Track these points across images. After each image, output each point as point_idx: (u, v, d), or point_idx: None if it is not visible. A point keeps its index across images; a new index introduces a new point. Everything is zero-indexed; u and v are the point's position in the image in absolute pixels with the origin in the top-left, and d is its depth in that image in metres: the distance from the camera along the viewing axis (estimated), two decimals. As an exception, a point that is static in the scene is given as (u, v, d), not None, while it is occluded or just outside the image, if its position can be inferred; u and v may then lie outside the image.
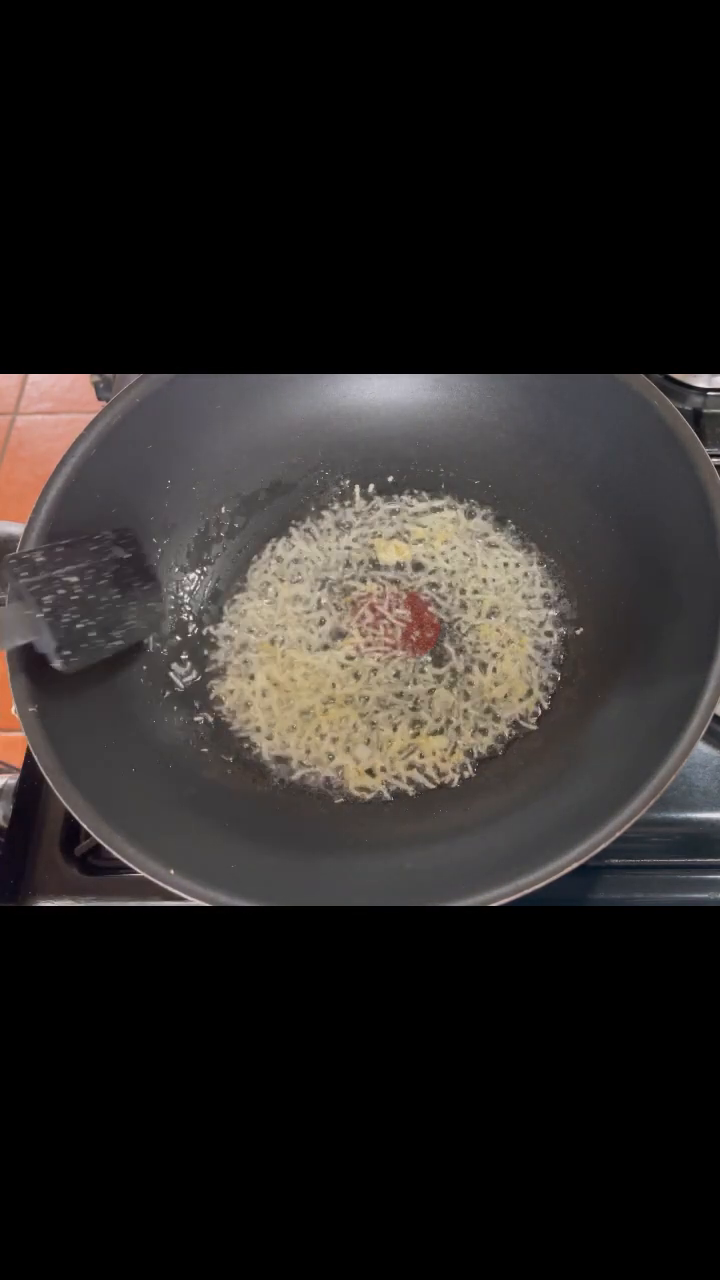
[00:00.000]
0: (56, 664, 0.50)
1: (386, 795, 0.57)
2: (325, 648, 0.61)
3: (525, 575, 0.62)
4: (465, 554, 0.63)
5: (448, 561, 0.63)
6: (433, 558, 0.63)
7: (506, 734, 0.58)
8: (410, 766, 0.58)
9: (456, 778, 0.57)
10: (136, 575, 0.55)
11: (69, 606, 0.50)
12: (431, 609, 0.62)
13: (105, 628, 0.52)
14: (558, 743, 0.57)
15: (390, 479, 0.66)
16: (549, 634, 0.61)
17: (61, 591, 0.50)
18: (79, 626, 0.50)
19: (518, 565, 0.63)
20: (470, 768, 0.58)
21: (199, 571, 0.64)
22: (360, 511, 0.65)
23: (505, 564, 0.63)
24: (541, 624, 0.61)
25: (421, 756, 0.58)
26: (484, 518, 0.64)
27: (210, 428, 0.63)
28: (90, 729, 0.54)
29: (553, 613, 0.61)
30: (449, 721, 0.58)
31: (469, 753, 0.58)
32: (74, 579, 0.51)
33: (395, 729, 0.58)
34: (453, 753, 0.58)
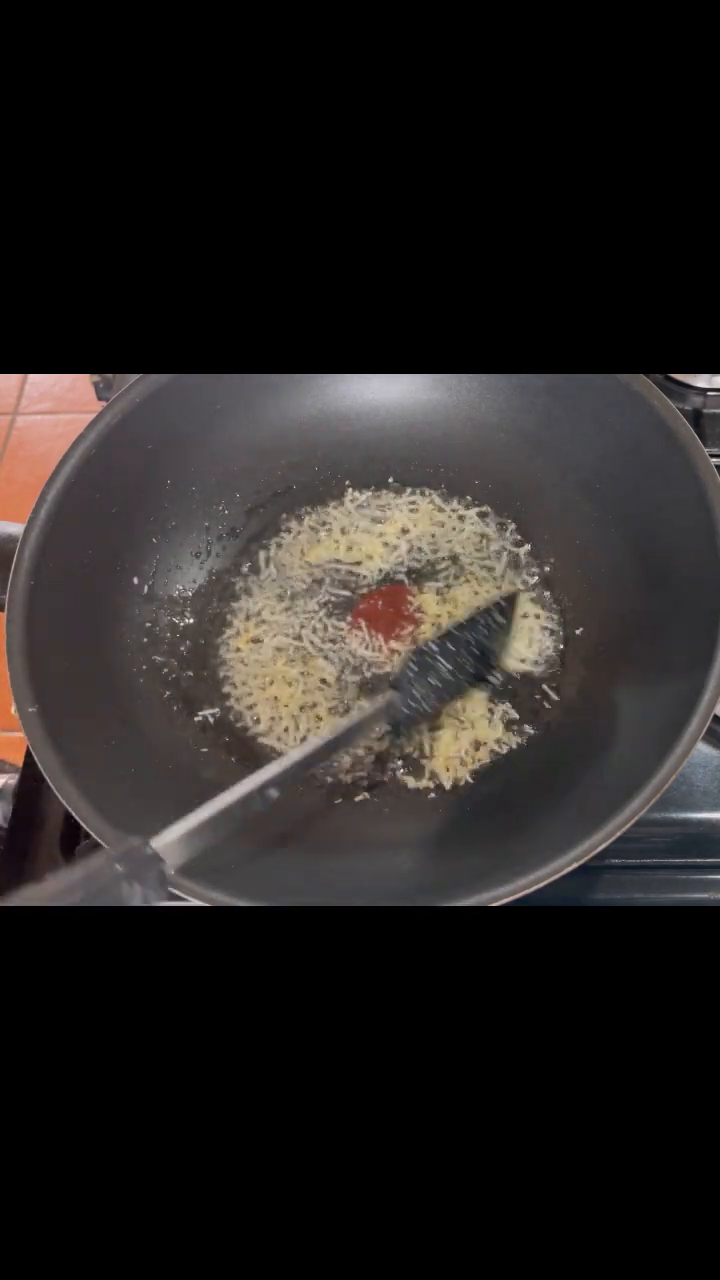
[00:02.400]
0: (394, 738, 0.56)
1: (387, 795, 0.57)
2: (326, 648, 0.61)
3: (524, 575, 0.62)
4: (462, 551, 0.63)
5: (446, 560, 0.63)
6: (424, 551, 0.63)
7: (507, 734, 0.58)
8: (411, 767, 0.58)
9: (457, 777, 0.57)
10: (501, 634, 0.59)
11: (430, 697, 0.55)
12: (422, 613, 0.62)
13: (441, 697, 0.56)
14: (558, 743, 0.57)
15: (391, 479, 0.66)
16: (548, 634, 0.61)
17: (434, 681, 0.55)
18: (425, 709, 0.56)
19: (516, 562, 0.63)
20: (471, 768, 0.57)
21: (199, 571, 0.64)
22: (361, 505, 0.65)
23: (500, 562, 0.63)
24: (541, 624, 0.61)
25: (423, 756, 0.58)
26: (480, 515, 0.65)
27: (210, 428, 0.63)
28: (90, 729, 0.54)
29: (552, 613, 0.61)
30: (449, 721, 0.58)
31: (469, 752, 0.58)
32: (448, 665, 0.56)
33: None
34: (454, 752, 0.58)
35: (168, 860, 0.41)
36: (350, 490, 0.66)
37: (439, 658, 0.55)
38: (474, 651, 0.57)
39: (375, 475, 0.66)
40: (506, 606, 0.59)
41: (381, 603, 0.62)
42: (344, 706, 0.59)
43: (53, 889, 0.38)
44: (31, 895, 0.38)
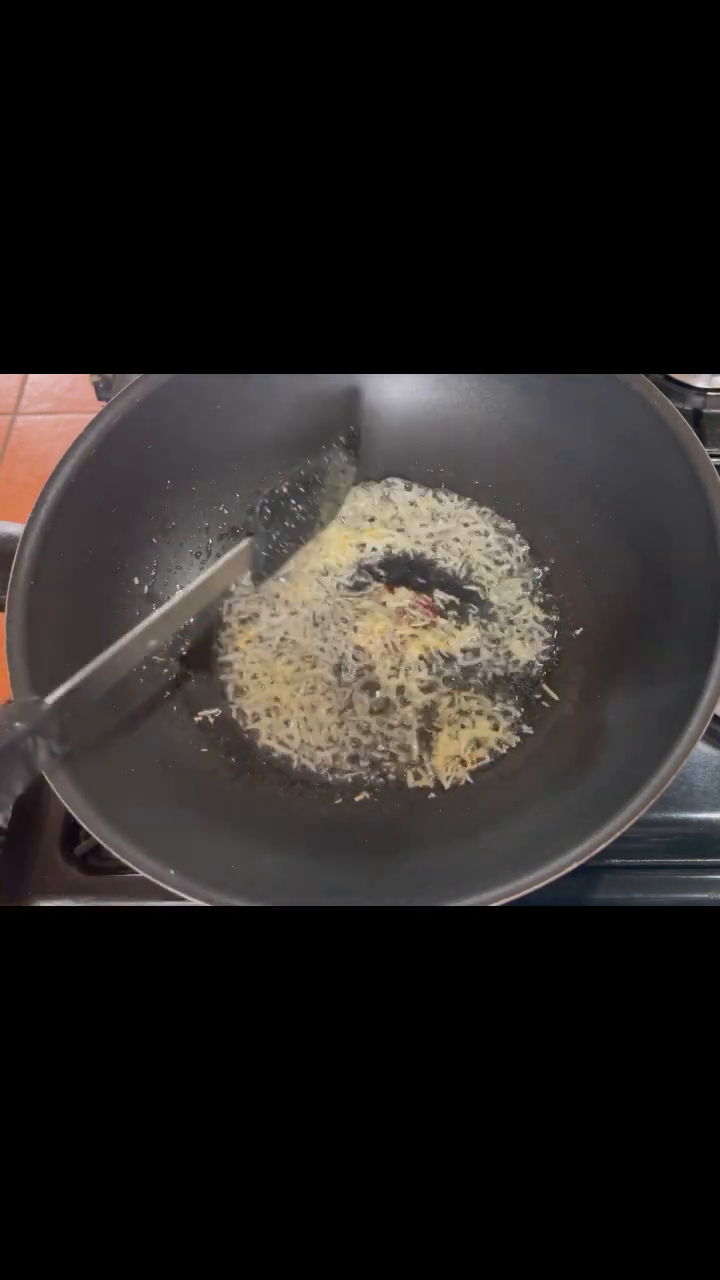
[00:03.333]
0: (258, 573, 0.59)
1: (387, 796, 0.57)
2: (325, 648, 0.61)
3: (524, 575, 0.62)
4: (461, 552, 0.63)
5: (445, 560, 0.63)
6: (423, 551, 0.63)
7: (507, 735, 0.58)
8: (411, 766, 0.58)
9: (456, 778, 0.57)
10: (325, 474, 0.61)
11: (285, 538, 0.59)
12: (421, 613, 0.62)
13: (298, 534, 0.60)
14: (558, 743, 0.57)
15: (391, 481, 0.66)
16: (548, 634, 0.61)
17: (288, 523, 0.58)
18: (283, 549, 0.59)
19: (516, 562, 0.63)
20: (471, 768, 0.58)
21: (199, 571, 0.64)
22: (359, 509, 0.65)
23: (500, 562, 0.63)
24: (541, 624, 0.61)
25: (422, 757, 0.58)
26: (481, 514, 0.65)
27: (210, 428, 0.63)
28: (90, 729, 0.54)
29: (552, 613, 0.61)
30: (449, 722, 0.58)
31: (469, 752, 0.58)
32: (300, 505, 0.59)
33: (396, 731, 0.58)
34: (453, 752, 0.58)
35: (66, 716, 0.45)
36: (354, 489, 0.66)
37: (290, 500, 0.58)
38: (323, 490, 0.60)
39: (376, 476, 0.66)
40: (349, 442, 0.61)
41: (381, 600, 0.62)
42: (343, 706, 0.59)
43: None
44: None
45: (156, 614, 0.51)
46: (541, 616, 0.61)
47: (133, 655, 0.50)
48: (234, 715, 0.60)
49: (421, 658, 0.60)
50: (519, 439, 0.63)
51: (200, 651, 0.62)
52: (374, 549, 0.64)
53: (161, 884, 0.47)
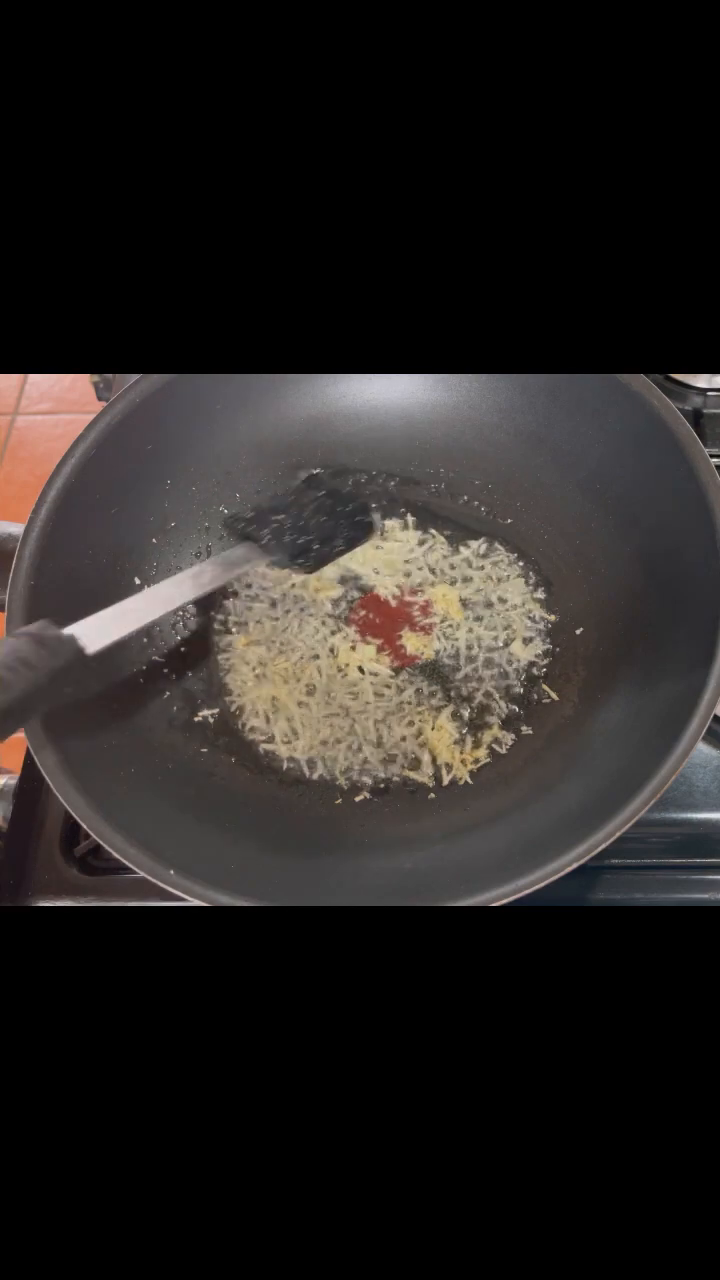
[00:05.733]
0: (296, 568, 0.59)
1: (387, 795, 0.57)
2: (326, 650, 0.61)
3: (524, 575, 0.62)
4: (457, 555, 0.63)
5: (446, 562, 0.63)
6: (421, 561, 0.63)
7: (507, 735, 0.58)
8: (411, 766, 0.58)
9: (456, 778, 0.57)
10: (338, 502, 0.61)
11: (285, 533, 0.58)
12: (420, 611, 0.62)
13: (325, 539, 0.59)
14: (558, 743, 0.57)
15: (392, 485, 0.66)
16: (548, 634, 0.61)
17: (275, 527, 0.58)
18: (300, 541, 0.58)
19: (514, 562, 0.63)
20: (470, 768, 0.58)
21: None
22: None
23: (500, 563, 0.63)
24: (541, 624, 0.61)
25: (422, 757, 0.58)
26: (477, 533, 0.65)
27: (210, 428, 0.63)
28: (90, 729, 0.54)
29: (552, 613, 0.61)
30: (449, 722, 0.58)
31: (469, 754, 0.58)
32: (281, 516, 0.59)
33: (395, 730, 0.58)
34: (453, 753, 0.58)
35: (83, 643, 0.48)
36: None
37: (266, 520, 0.59)
38: (309, 509, 0.60)
39: (375, 476, 0.66)
40: (315, 483, 0.63)
41: (378, 604, 0.62)
42: (342, 706, 0.59)
43: None
44: None
45: (184, 584, 0.54)
46: (541, 616, 0.61)
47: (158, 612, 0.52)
48: (233, 715, 0.60)
49: (422, 657, 0.60)
50: (519, 439, 0.64)
51: (200, 651, 0.62)
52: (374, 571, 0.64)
53: (161, 884, 0.47)
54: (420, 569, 0.63)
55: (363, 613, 0.62)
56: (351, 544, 0.61)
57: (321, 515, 0.60)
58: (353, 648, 0.61)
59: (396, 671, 0.60)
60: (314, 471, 0.65)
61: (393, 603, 0.62)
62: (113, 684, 0.58)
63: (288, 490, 0.63)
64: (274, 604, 0.63)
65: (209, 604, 0.63)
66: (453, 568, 0.63)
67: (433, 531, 0.64)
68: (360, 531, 0.62)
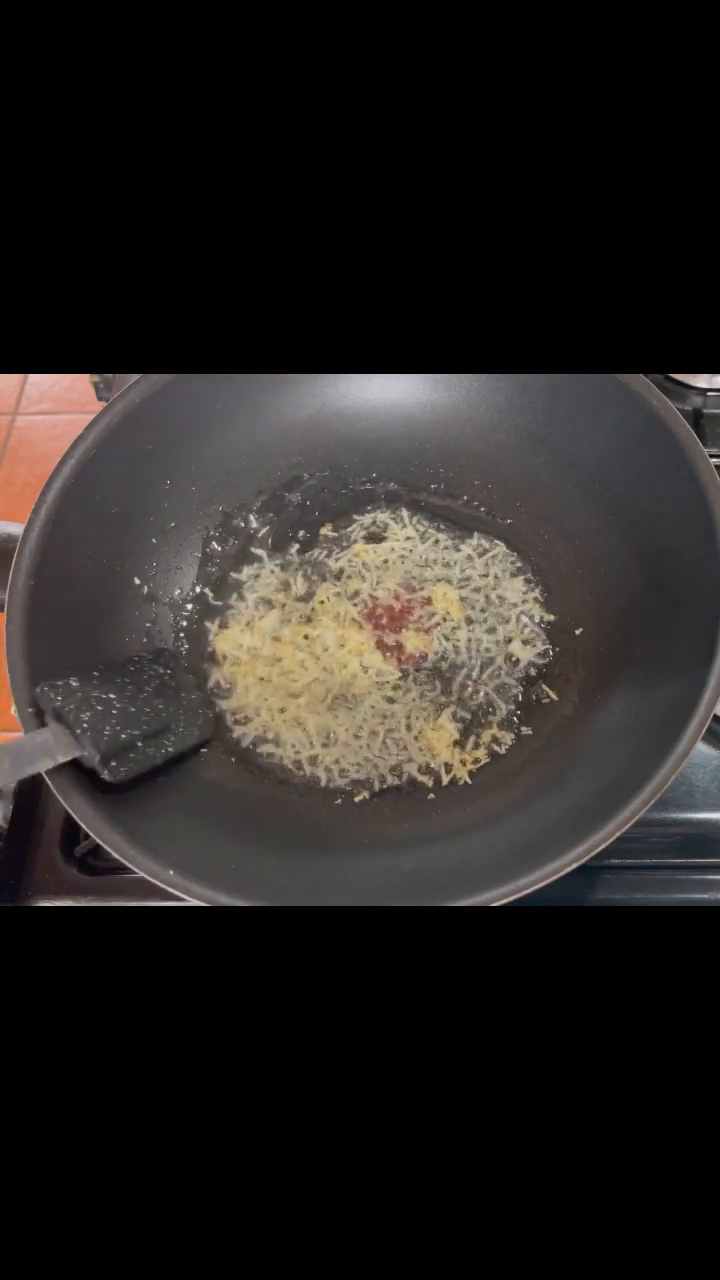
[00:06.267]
0: (105, 775, 0.50)
1: (387, 795, 0.57)
2: (324, 650, 0.61)
3: (524, 575, 0.62)
4: (457, 552, 0.63)
5: (445, 562, 0.63)
6: (415, 557, 0.63)
7: (507, 735, 0.58)
8: (411, 766, 0.58)
9: (456, 778, 0.57)
10: (181, 688, 0.56)
11: (110, 720, 0.50)
12: (420, 612, 0.62)
13: (152, 735, 0.52)
14: (558, 743, 0.57)
15: (392, 485, 0.66)
16: (548, 635, 0.61)
17: (100, 708, 0.50)
18: (123, 737, 0.50)
19: (514, 562, 0.63)
20: (470, 768, 0.57)
21: (198, 572, 0.64)
22: (356, 523, 0.65)
23: (499, 562, 0.63)
24: (540, 625, 0.61)
25: (422, 756, 0.58)
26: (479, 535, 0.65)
27: (210, 428, 0.63)
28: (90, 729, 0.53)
29: (552, 614, 0.61)
30: (449, 722, 0.58)
31: (469, 754, 0.58)
32: (112, 695, 0.52)
33: (395, 730, 0.58)
34: (453, 753, 0.58)
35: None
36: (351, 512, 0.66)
37: (91, 691, 0.51)
38: (146, 691, 0.53)
39: (375, 477, 0.66)
40: (160, 658, 0.56)
41: (386, 607, 0.62)
42: (342, 706, 0.59)
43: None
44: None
45: None
46: (541, 616, 0.61)
47: None
48: (233, 716, 0.60)
49: (422, 658, 0.60)
50: (519, 439, 0.64)
51: (199, 651, 0.62)
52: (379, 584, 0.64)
53: (161, 884, 0.47)
54: (421, 565, 0.63)
55: (363, 613, 0.62)
56: (182, 743, 0.54)
57: (159, 700, 0.54)
58: (354, 649, 0.61)
59: (405, 674, 0.60)
60: (161, 648, 0.59)
61: (394, 604, 0.62)
62: (112, 683, 0.58)
63: (128, 659, 0.56)
64: (273, 605, 0.63)
65: (208, 606, 0.63)
66: (449, 567, 0.63)
67: (432, 532, 0.64)
68: (194, 729, 0.55)
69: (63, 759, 0.49)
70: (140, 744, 0.51)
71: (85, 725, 0.49)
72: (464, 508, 0.65)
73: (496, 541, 0.64)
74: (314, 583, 0.63)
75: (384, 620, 0.62)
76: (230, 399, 0.63)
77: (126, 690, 0.53)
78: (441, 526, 0.64)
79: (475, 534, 0.64)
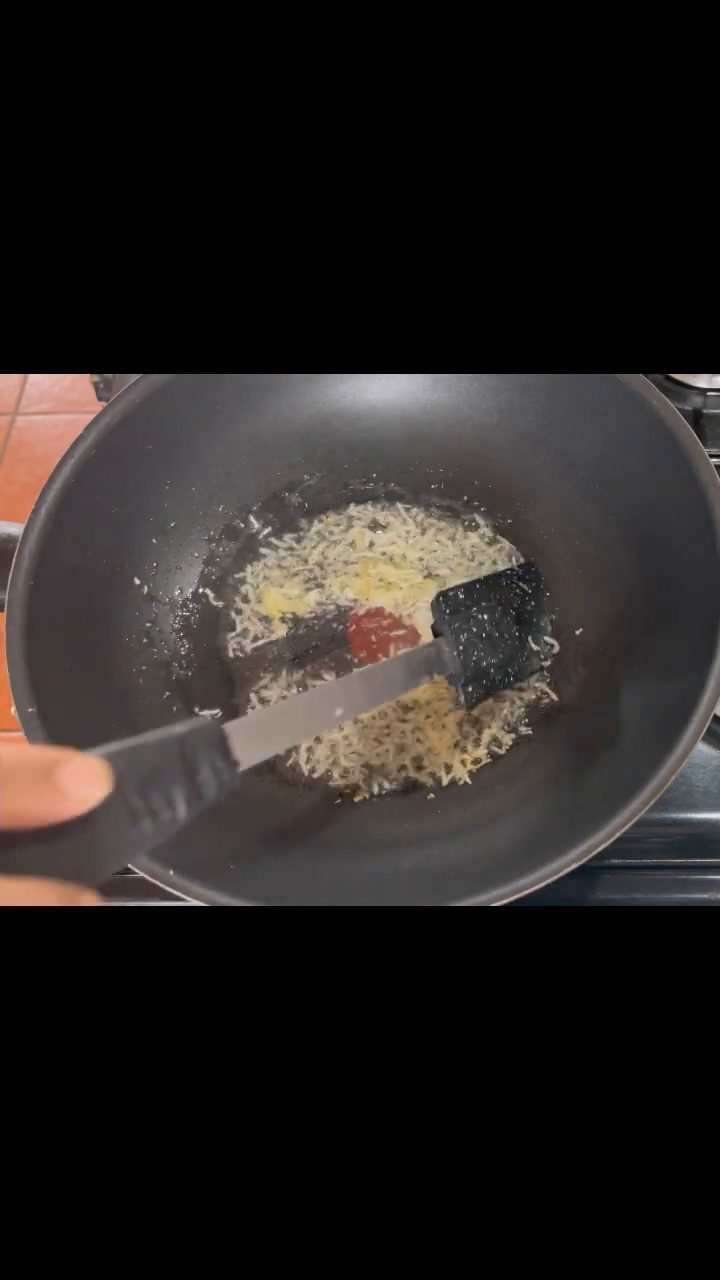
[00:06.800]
0: (461, 698, 0.55)
1: (387, 795, 0.57)
2: (326, 649, 0.61)
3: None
4: (460, 550, 0.63)
5: (445, 561, 0.63)
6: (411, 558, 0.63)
7: (506, 735, 0.58)
8: (411, 766, 0.58)
9: (456, 778, 0.57)
10: (536, 611, 0.59)
11: (478, 645, 0.55)
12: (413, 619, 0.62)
13: (504, 665, 0.56)
14: (558, 743, 0.57)
15: (392, 485, 0.66)
16: (547, 635, 0.61)
17: (475, 629, 0.55)
18: (484, 664, 0.55)
19: (514, 563, 0.63)
20: (470, 768, 0.58)
21: (198, 572, 0.64)
22: (353, 518, 0.65)
23: (499, 563, 0.63)
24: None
25: (422, 757, 0.58)
26: (479, 532, 0.65)
27: (210, 428, 0.63)
28: (90, 729, 0.54)
29: (552, 614, 0.61)
30: (449, 723, 0.58)
31: (469, 753, 0.58)
32: (485, 616, 0.56)
33: (395, 730, 0.58)
34: (453, 754, 0.58)
35: (236, 750, 0.39)
36: (351, 504, 0.66)
37: (471, 608, 0.55)
38: (511, 613, 0.57)
39: (375, 478, 0.66)
40: (528, 574, 0.59)
41: (374, 620, 0.62)
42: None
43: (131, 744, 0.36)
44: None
45: (351, 685, 0.47)
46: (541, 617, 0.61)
47: (317, 717, 0.46)
48: (234, 715, 0.60)
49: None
50: (519, 439, 0.64)
51: (200, 651, 0.62)
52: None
53: (161, 884, 0.47)
54: (422, 556, 0.63)
55: (361, 624, 0.62)
56: (522, 674, 0.57)
57: (517, 626, 0.57)
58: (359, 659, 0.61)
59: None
60: (529, 563, 0.61)
61: (380, 631, 0.62)
62: (112, 684, 0.58)
63: (504, 572, 0.59)
64: (278, 601, 0.63)
65: (207, 607, 0.63)
66: (447, 564, 0.63)
67: (431, 532, 0.64)
68: (534, 659, 0.58)
69: (438, 677, 0.53)
70: (494, 672, 0.56)
71: (462, 645, 0.54)
72: (464, 508, 0.65)
73: (496, 543, 0.63)
74: (313, 585, 0.63)
75: (373, 642, 0.61)
76: (230, 399, 0.63)
77: (496, 611, 0.56)
78: (440, 527, 0.64)
79: (472, 535, 0.64)
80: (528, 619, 0.58)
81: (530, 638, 0.58)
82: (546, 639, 0.59)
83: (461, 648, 0.54)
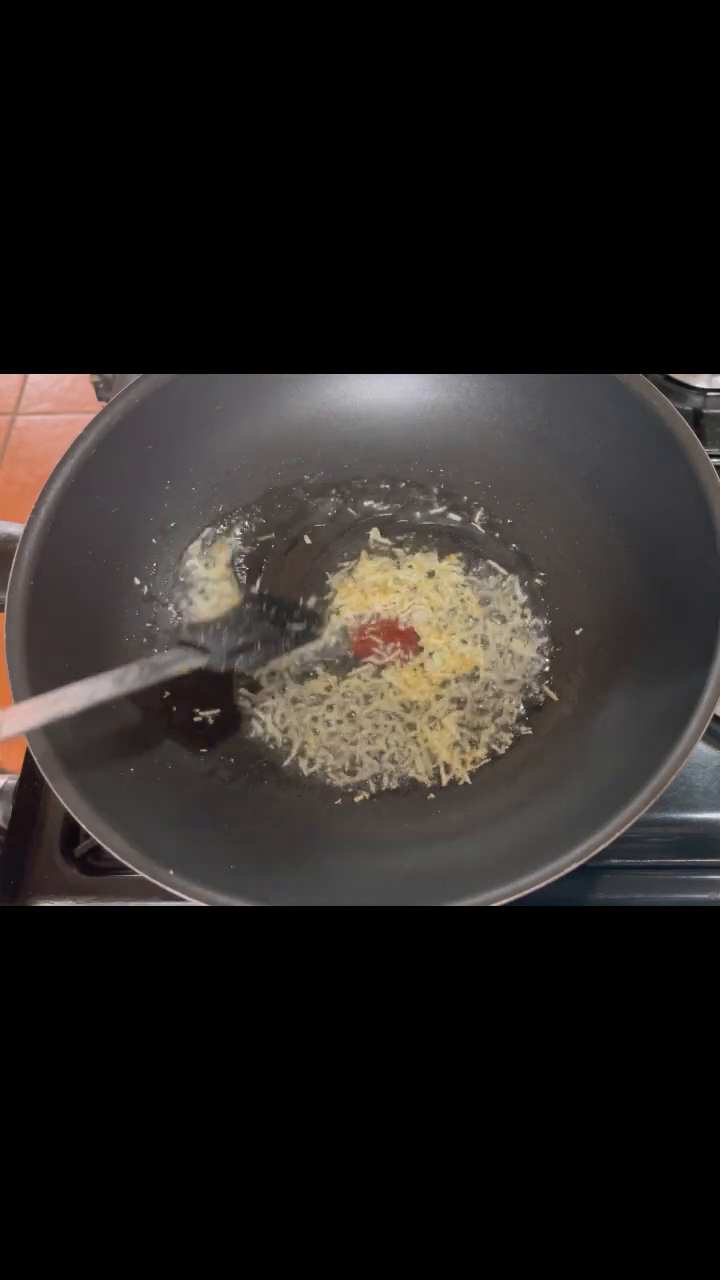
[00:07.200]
0: (238, 665, 0.57)
1: (387, 795, 0.57)
2: (325, 650, 0.61)
3: (523, 576, 0.62)
4: (460, 549, 0.63)
5: (444, 561, 0.63)
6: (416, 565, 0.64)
7: (506, 735, 0.58)
8: (411, 766, 0.58)
9: (456, 778, 0.57)
10: (280, 609, 0.60)
11: (224, 636, 0.56)
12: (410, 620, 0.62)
13: (266, 640, 0.57)
14: (558, 743, 0.57)
15: (390, 485, 0.66)
16: (547, 634, 0.61)
17: (212, 632, 0.56)
18: (240, 642, 0.56)
19: (514, 563, 0.63)
20: (470, 768, 0.58)
21: (199, 570, 0.64)
22: (355, 522, 0.65)
23: (499, 563, 0.63)
24: (539, 624, 0.61)
25: (422, 757, 0.58)
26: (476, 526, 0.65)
27: (210, 428, 0.63)
28: (90, 730, 0.54)
29: (551, 614, 0.61)
30: (449, 723, 0.58)
31: (469, 754, 0.58)
32: (222, 627, 0.57)
33: (395, 730, 0.58)
34: (453, 754, 0.58)
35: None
36: (346, 501, 0.66)
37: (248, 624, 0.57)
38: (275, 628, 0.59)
39: (374, 478, 0.66)
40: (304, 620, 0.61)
41: (379, 629, 0.62)
42: (343, 706, 0.59)
43: None
44: None
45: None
46: (541, 616, 0.61)
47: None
48: (233, 716, 0.60)
49: (421, 659, 0.60)
50: (519, 439, 0.63)
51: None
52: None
53: (161, 884, 0.47)
54: (422, 552, 0.63)
55: (368, 634, 0.62)
56: (299, 642, 0.60)
57: (264, 621, 0.58)
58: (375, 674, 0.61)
59: (441, 686, 0.60)
60: (253, 590, 0.64)
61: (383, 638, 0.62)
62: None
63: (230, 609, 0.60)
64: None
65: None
66: (450, 566, 0.63)
67: (431, 533, 0.64)
68: (307, 629, 0.60)
69: (194, 663, 0.55)
70: (258, 645, 0.57)
71: (204, 640, 0.56)
72: (464, 508, 0.65)
73: (496, 543, 0.63)
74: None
75: (374, 644, 0.62)
76: (230, 399, 0.63)
77: (230, 622, 0.57)
78: (441, 527, 0.64)
79: (474, 534, 0.64)
80: (274, 616, 0.59)
81: (287, 624, 0.59)
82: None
83: (204, 640, 0.56)
